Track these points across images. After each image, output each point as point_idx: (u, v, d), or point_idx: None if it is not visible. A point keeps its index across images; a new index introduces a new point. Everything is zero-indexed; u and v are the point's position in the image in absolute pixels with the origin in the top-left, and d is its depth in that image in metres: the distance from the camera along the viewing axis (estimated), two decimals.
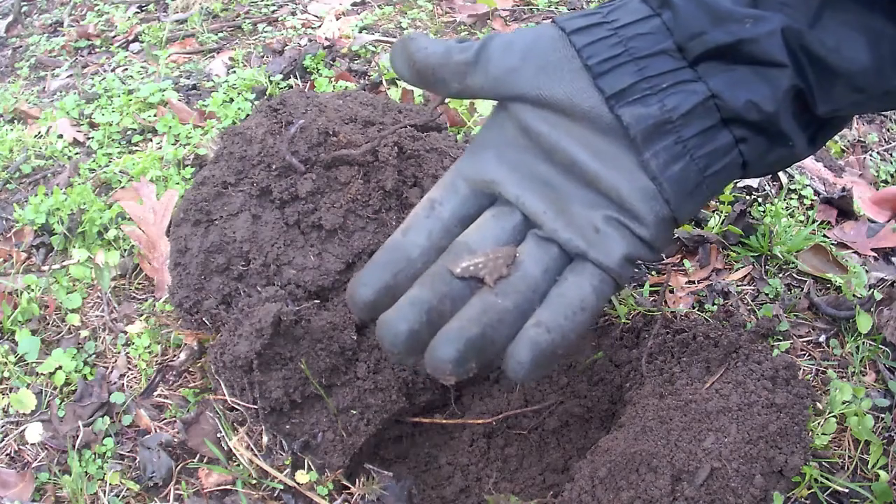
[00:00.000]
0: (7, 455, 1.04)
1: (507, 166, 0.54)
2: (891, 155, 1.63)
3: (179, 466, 1.02)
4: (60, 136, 1.66)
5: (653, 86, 0.50)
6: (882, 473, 0.93)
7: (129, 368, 1.15)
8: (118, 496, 0.99)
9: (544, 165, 0.54)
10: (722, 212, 1.33)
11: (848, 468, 0.96)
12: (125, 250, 1.33)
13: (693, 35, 0.49)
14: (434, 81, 0.56)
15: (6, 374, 1.13)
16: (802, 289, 1.19)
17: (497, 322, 0.49)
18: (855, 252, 1.26)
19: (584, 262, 0.51)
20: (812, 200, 1.38)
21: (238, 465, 1.01)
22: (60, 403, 1.09)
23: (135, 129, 1.69)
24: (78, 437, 1.04)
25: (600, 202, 0.52)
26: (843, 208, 1.36)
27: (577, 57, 0.51)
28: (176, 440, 1.04)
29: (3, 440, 1.06)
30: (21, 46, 2.27)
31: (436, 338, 0.49)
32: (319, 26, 2.09)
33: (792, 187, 1.40)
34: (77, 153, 1.63)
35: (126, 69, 2.00)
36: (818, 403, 1.00)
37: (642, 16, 0.51)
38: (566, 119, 0.52)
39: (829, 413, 0.98)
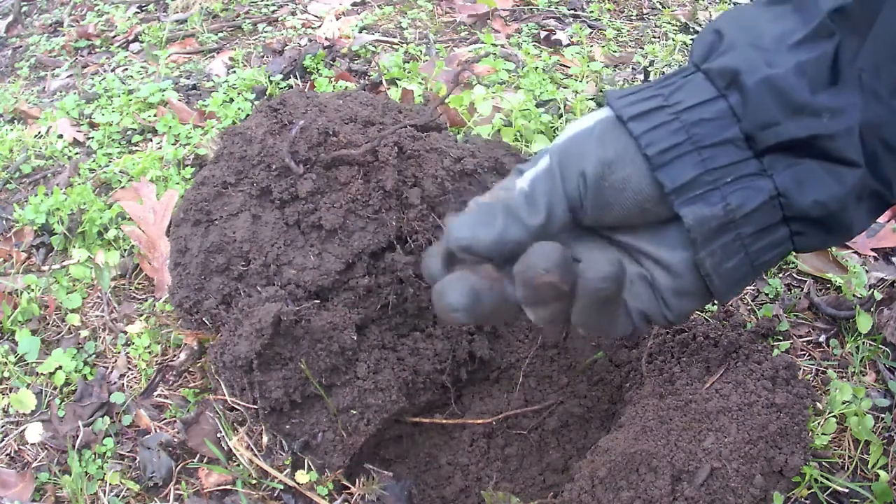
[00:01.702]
0: (7, 455, 1.04)
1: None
2: None
3: (179, 466, 1.02)
4: (60, 136, 1.66)
5: (716, 179, 0.46)
6: (882, 473, 0.93)
7: (129, 368, 1.15)
8: (118, 496, 0.99)
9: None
10: None
11: (848, 468, 0.95)
12: (125, 250, 1.33)
13: (765, 125, 0.46)
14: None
15: (6, 374, 1.13)
16: (802, 289, 1.19)
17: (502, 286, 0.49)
18: (855, 252, 1.26)
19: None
20: None
21: (238, 465, 1.01)
22: (60, 403, 1.09)
23: (135, 129, 1.69)
24: (78, 437, 1.04)
25: (641, 272, 0.52)
26: None
27: (635, 146, 0.47)
28: (176, 440, 1.04)
29: (3, 440, 1.06)
30: (21, 46, 2.27)
31: (447, 277, 0.49)
32: (319, 26, 2.09)
33: None
34: (77, 153, 1.63)
35: (126, 69, 2.00)
36: (818, 403, 1.00)
37: (706, 98, 0.47)
38: (618, 208, 0.50)
39: (829, 413, 0.98)
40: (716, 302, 0.52)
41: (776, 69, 0.46)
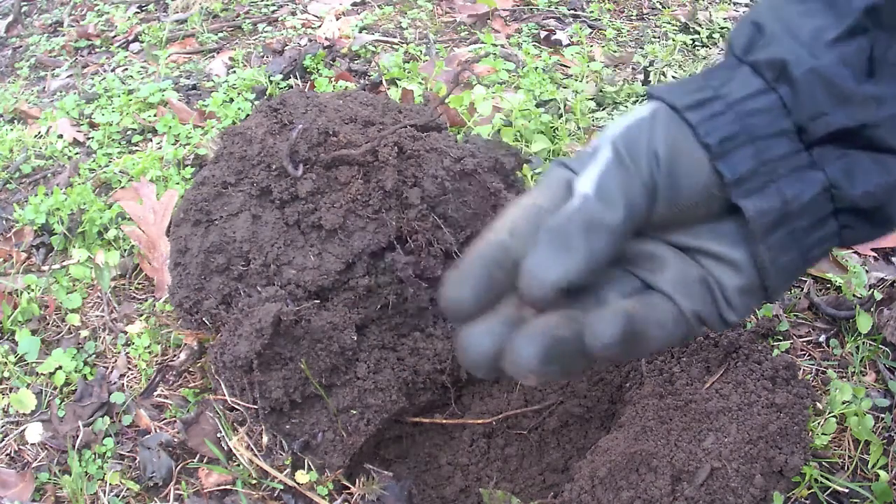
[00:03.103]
0: (7, 455, 1.04)
1: None
2: None
3: (179, 466, 1.02)
4: (60, 136, 1.66)
5: (770, 171, 0.46)
6: (882, 473, 0.93)
7: (129, 368, 1.15)
8: (118, 496, 0.99)
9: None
10: None
11: (848, 468, 0.95)
12: (125, 250, 1.33)
13: (814, 116, 0.46)
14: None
15: (6, 374, 1.13)
16: (802, 289, 1.19)
17: (578, 333, 0.44)
18: (855, 252, 1.26)
19: (669, 300, 0.49)
20: None
21: (238, 465, 1.01)
22: (60, 403, 1.09)
23: (135, 129, 1.69)
24: (78, 437, 1.04)
25: (701, 274, 0.50)
26: None
27: (692, 135, 0.46)
28: (176, 440, 1.04)
29: (3, 440, 1.06)
30: (21, 46, 2.27)
31: (517, 335, 0.44)
32: (319, 26, 2.09)
33: None
34: (77, 153, 1.63)
35: (126, 69, 2.00)
36: (818, 403, 1.00)
37: (756, 89, 0.47)
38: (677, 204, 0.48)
39: (829, 413, 0.98)
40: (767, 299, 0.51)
41: (821, 60, 0.46)
